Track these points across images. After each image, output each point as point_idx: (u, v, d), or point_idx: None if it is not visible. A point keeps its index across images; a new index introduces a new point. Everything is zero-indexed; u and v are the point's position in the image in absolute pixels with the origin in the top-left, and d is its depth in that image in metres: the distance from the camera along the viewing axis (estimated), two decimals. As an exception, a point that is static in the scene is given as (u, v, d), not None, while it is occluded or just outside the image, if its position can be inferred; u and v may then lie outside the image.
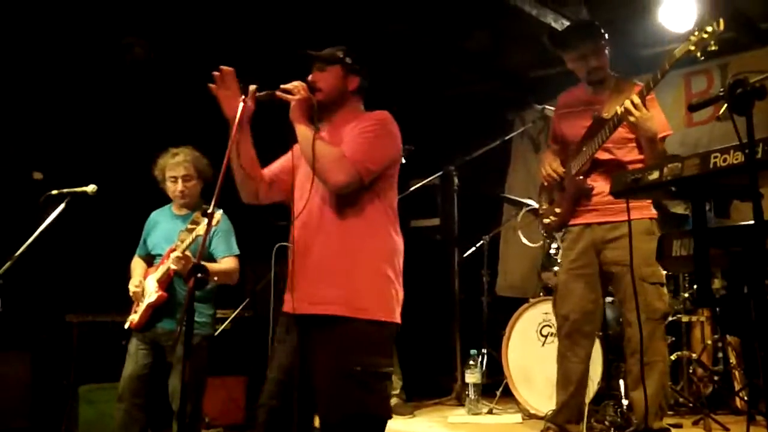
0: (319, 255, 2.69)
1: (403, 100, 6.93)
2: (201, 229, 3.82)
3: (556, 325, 4.01)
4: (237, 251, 4.15)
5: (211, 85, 2.77)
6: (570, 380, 3.79)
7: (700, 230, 2.45)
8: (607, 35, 3.84)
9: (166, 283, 4.03)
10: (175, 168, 4.15)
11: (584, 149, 3.74)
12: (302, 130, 2.73)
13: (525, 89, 6.69)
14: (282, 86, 2.78)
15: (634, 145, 3.74)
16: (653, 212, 3.76)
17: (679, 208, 4.90)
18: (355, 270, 2.66)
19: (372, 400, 2.59)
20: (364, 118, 2.83)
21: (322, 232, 2.72)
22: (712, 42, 3.29)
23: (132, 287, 4.10)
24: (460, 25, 5.99)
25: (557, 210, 3.87)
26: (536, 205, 4.31)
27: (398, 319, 2.74)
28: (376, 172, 2.73)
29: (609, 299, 4.29)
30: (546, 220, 3.98)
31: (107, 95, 5.72)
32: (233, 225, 4.22)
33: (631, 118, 3.42)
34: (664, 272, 3.77)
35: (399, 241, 2.83)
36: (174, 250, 3.96)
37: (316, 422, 2.80)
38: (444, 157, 5.88)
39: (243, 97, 2.75)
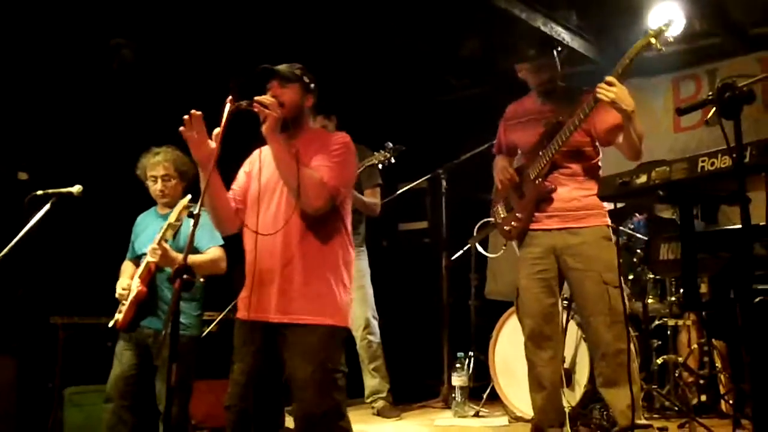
0: (287, 266, 2.94)
1: (394, 105, 6.95)
2: (172, 218, 3.84)
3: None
4: (221, 241, 4.13)
5: (181, 129, 2.88)
6: (541, 384, 3.80)
7: (688, 234, 2.46)
8: (557, 51, 3.91)
9: (148, 278, 4.00)
10: (155, 168, 4.17)
11: (541, 154, 3.76)
12: (281, 150, 2.92)
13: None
14: (257, 99, 2.91)
15: (591, 148, 3.81)
16: (608, 220, 3.79)
17: (666, 213, 4.91)
18: (321, 281, 2.95)
19: (340, 394, 2.91)
20: (329, 141, 3.06)
21: (288, 244, 2.95)
22: (671, 35, 3.32)
23: (119, 289, 4.08)
24: (452, 31, 5.99)
25: (518, 215, 3.88)
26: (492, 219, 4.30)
27: (349, 324, 3.07)
28: (345, 194, 3.05)
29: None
30: (507, 228, 3.97)
31: (94, 95, 5.68)
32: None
33: (610, 95, 3.39)
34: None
35: (352, 252, 3.13)
36: None
37: (288, 422, 3.05)
38: (435, 161, 5.88)
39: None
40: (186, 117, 2.88)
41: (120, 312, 4.04)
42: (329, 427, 2.86)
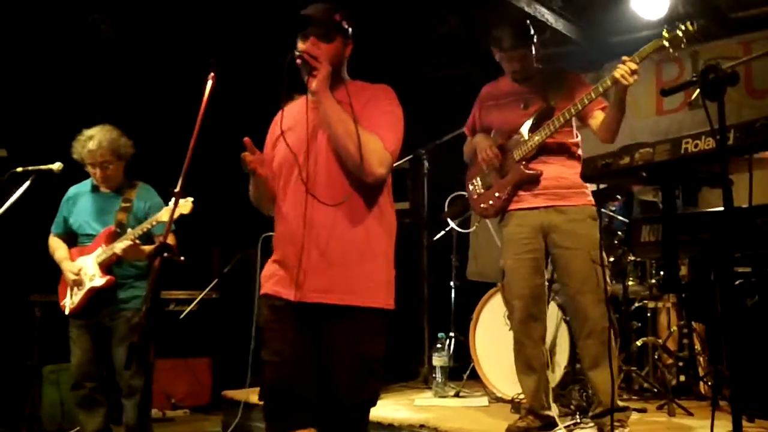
0: (329, 241, 2.50)
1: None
2: (164, 216, 3.82)
3: (507, 311, 4.00)
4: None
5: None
6: (531, 367, 3.81)
7: (670, 216, 2.46)
8: (536, 37, 3.86)
9: (108, 266, 3.98)
10: (91, 156, 4.03)
11: (528, 137, 3.74)
12: (335, 110, 2.50)
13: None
14: (305, 49, 2.55)
15: (573, 128, 3.82)
16: (592, 199, 3.78)
17: (648, 195, 4.92)
18: (368, 257, 2.54)
19: (378, 386, 2.63)
20: (377, 94, 2.66)
21: (329, 217, 2.52)
22: (684, 41, 3.32)
23: (72, 276, 4.00)
24: (434, 9, 5.95)
25: (497, 194, 3.86)
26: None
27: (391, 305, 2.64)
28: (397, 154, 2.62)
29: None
30: (483, 205, 3.94)
31: (73, 71, 5.62)
32: (201, 208, 4.18)
33: (630, 81, 3.39)
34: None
35: (395, 220, 2.70)
36: (113, 231, 3.96)
37: None
38: (417, 141, 5.85)
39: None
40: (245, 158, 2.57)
41: (71, 297, 4.01)
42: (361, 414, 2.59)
